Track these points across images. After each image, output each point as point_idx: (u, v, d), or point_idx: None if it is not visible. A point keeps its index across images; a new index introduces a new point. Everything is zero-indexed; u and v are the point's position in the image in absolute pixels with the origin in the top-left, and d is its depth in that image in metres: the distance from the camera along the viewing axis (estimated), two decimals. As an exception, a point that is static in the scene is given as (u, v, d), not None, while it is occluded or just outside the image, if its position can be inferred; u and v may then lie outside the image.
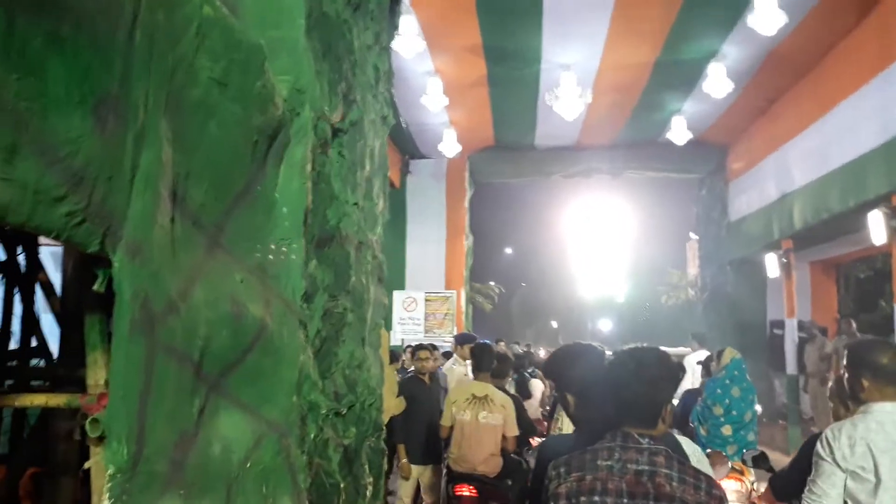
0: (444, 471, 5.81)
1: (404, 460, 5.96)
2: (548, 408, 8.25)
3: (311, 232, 3.42)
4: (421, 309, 13.99)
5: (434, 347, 7.01)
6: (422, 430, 6.01)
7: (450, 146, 12.31)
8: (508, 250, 39.84)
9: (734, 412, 5.81)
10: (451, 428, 5.52)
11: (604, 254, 23.44)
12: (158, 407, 2.15)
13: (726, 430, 5.79)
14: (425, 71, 10.06)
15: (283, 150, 3.09)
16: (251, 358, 2.72)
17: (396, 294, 13.96)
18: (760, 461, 3.99)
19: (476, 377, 5.63)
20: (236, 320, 2.61)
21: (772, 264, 11.75)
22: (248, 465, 2.68)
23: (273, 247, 3.02)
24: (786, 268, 11.27)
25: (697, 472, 1.94)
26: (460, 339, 7.63)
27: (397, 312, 13.94)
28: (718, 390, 5.93)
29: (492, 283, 23.35)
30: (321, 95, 3.43)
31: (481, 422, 5.36)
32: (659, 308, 24.32)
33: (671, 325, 22.41)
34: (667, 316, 23.48)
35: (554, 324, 42.77)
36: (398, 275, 14.19)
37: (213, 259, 2.59)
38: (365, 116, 4.34)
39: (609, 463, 1.93)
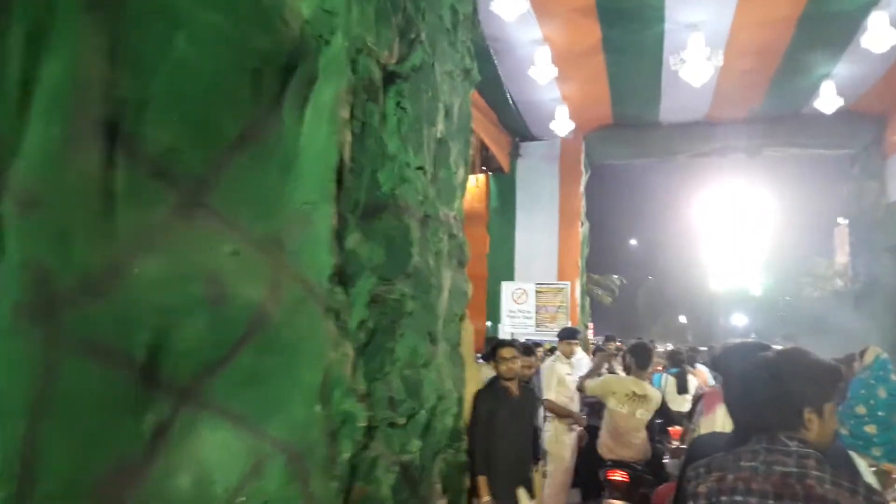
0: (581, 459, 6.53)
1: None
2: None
3: (351, 197, 2.71)
4: (532, 301, 13.13)
5: (528, 348, 6.03)
6: (508, 457, 4.37)
7: (562, 124, 11.32)
8: (633, 241, 37.99)
9: (880, 413, 5.53)
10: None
11: (738, 242, 21.44)
12: (67, 427, 1.50)
13: (870, 429, 5.56)
14: (532, 39, 9.17)
15: (307, 89, 2.39)
16: (245, 356, 2.04)
17: (505, 285, 13.18)
18: None
19: (635, 374, 5.74)
20: (216, 306, 1.93)
21: (945, 251, 9.96)
22: (243, 497, 2.00)
23: (291, 213, 2.33)
24: (964, 255, 9.49)
25: (855, 477, 1.76)
26: (565, 334, 6.70)
27: (506, 305, 13.16)
28: (862, 391, 5.63)
29: (613, 277, 22.03)
30: (363, 23, 2.70)
31: (638, 417, 5.58)
32: (801, 301, 22.09)
33: (816, 319, 20.21)
34: (811, 310, 21.23)
35: (682, 319, 40.45)
36: (507, 265, 13.40)
37: (187, 223, 1.92)
38: (436, 64, 3.59)
39: (753, 464, 1.82)
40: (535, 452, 4.99)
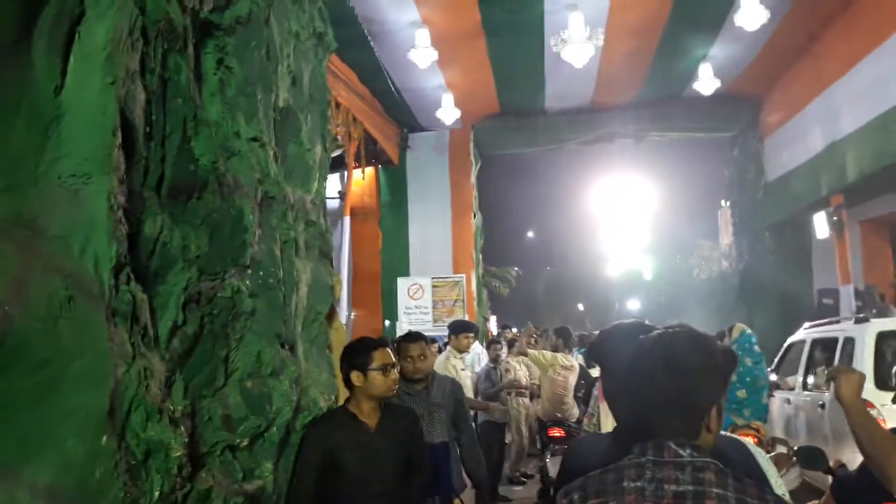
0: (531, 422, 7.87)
1: None
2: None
3: (149, 170, 2.17)
4: (428, 296, 12.76)
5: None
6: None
7: (448, 112, 10.99)
8: (530, 233, 38.46)
9: (748, 378, 6.43)
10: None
11: (629, 228, 21.91)
12: None
13: (741, 394, 6.42)
14: (409, 21, 8.76)
15: (68, 27, 1.83)
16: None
17: (401, 281, 12.74)
18: (815, 460, 3.04)
19: (561, 351, 7.57)
20: None
21: (820, 225, 10.31)
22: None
23: (49, 187, 1.76)
24: (837, 227, 9.85)
25: (762, 491, 1.39)
26: (457, 328, 6.25)
27: (403, 301, 12.72)
28: None
29: (510, 268, 22.01)
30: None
31: (570, 382, 7.18)
32: (690, 283, 22.82)
33: (704, 300, 20.92)
34: (699, 291, 21.97)
35: (580, 306, 41.37)
36: (402, 260, 12.98)
37: None
38: (273, 20, 3.07)
39: (639, 484, 1.42)
40: (439, 489, 3.43)
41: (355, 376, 2.75)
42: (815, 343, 6.62)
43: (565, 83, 11.39)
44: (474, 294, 13.12)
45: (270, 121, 3.03)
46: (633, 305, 33.97)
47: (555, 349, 7.65)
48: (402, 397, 3.56)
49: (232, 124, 2.66)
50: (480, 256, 15.29)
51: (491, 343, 7.64)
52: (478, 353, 7.87)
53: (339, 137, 9.95)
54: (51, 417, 1.67)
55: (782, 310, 12.08)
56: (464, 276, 12.85)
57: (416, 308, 12.73)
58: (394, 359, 2.94)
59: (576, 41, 8.38)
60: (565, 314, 39.91)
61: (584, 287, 39.21)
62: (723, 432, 1.64)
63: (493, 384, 7.18)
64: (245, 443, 2.58)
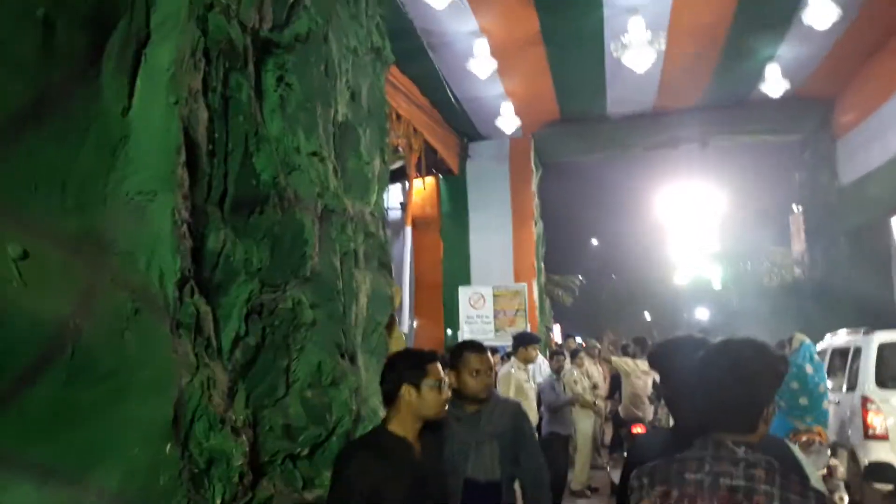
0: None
1: None
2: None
3: (213, 186, 2.24)
4: (489, 305, 12.72)
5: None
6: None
7: (508, 121, 10.96)
8: (594, 241, 37.94)
9: (809, 386, 6.57)
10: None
11: (697, 235, 21.33)
12: None
13: (803, 401, 6.56)
14: (468, 31, 8.78)
15: (135, 50, 1.91)
16: (43, 388, 1.55)
17: (462, 290, 12.75)
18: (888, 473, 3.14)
19: (639, 357, 8.06)
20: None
21: (901, 229, 9.82)
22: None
23: (117, 204, 1.84)
24: (919, 232, 9.35)
25: (805, 486, 1.60)
26: (523, 340, 6.22)
27: (464, 310, 12.72)
28: (793, 368, 6.56)
29: (573, 276, 21.74)
30: (215, -25, 2.24)
31: (648, 385, 7.76)
32: (761, 291, 22.05)
33: (776, 308, 20.19)
34: (771, 299, 21.22)
35: (647, 315, 40.51)
36: (463, 269, 12.98)
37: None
38: (332, 36, 3.13)
39: (698, 476, 1.65)
40: None
41: (407, 391, 2.27)
42: (835, 351, 7.49)
43: (627, 88, 11.22)
44: (536, 303, 13.01)
45: (329, 135, 3.09)
46: (702, 314, 33.04)
47: (633, 356, 8.50)
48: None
49: (292, 140, 2.72)
50: (542, 265, 15.17)
51: (554, 354, 7.55)
52: (539, 364, 7.80)
53: (400, 148, 10.06)
54: (117, 426, 1.74)
55: (860, 319, 11.53)
56: (525, 284, 12.77)
57: (477, 317, 12.71)
58: (489, 361, 2.83)
59: (636, 45, 8.25)
60: (631, 323, 39.16)
61: (650, 296, 38.33)
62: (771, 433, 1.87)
63: (557, 395, 7.10)
64: (305, 452, 2.63)
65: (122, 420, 1.74)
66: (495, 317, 12.76)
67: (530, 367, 6.80)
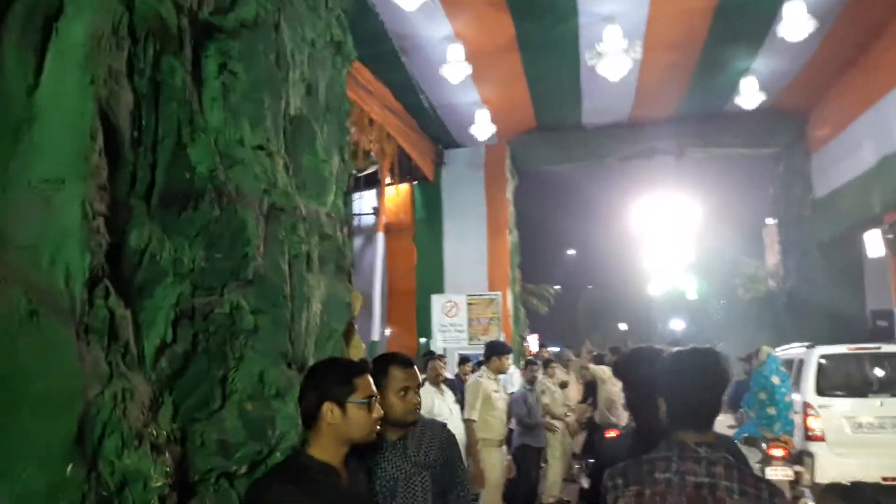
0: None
1: None
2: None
3: (137, 177, 2.04)
4: (463, 314, 12.52)
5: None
6: None
7: (483, 128, 10.83)
8: (571, 251, 38.00)
9: (776, 396, 7.11)
10: None
11: (672, 246, 21.38)
12: None
13: (771, 410, 7.10)
14: (443, 36, 8.64)
15: (43, 24, 1.72)
16: None
17: (435, 298, 12.54)
18: None
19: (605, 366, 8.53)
20: None
21: (873, 243, 9.83)
22: None
23: (18, 194, 1.64)
24: (892, 245, 9.35)
25: (758, 479, 1.85)
26: (496, 349, 6.00)
27: (437, 318, 12.50)
28: (761, 380, 7.29)
29: (548, 286, 21.65)
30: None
31: (621, 392, 6.60)
32: (736, 302, 22.16)
33: (749, 321, 20.27)
34: (744, 311, 21.30)
35: (622, 326, 40.61)
36: (437, 277, 12.80)
37: None
38: (285, 25, 2.95)
39: (667, 476, 1.86)
40: None
41: (329, 410, 1.89)
42: (784, 362, 7.86)
43: (603, 98, 11.16)
44: (510, 312, 12.87)
45: (280, 129, 2.90)
46: (677, 325, 33.19)
47: (609, 364, 8.73)
48: None
49: (235, 131, 2.53)
50: (518, 274, 15.05)
51: (528, 363, 7.34)
52: (510, 374, 7.62)
53: (372, 154, 9.87)
54: (7, 445, 1.53)
55: (833, 331, 11.53)
56: (500, 293, 12.60)
57: (450, 326, 12.51)
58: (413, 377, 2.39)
59: (612, 54, 8.16)
60: (607, 333, 39.25)
61: (625, 306, 38.46)
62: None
63: (530, 409, 6.90)
64: (243, 470, 2.42)
65: (13, 438, 1.53)
66: (469, 325, 12.57)
67: (501, 377, 6.64)
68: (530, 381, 7.05)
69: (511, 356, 5.83)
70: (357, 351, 3.93)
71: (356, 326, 3.90)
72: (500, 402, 5.77)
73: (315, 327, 3.19)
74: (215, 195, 2.36)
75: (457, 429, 5.71)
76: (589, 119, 12.34)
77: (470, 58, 8.78)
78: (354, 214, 13.13)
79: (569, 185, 19.51)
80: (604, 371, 8.45)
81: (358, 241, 13.08)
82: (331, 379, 1.93)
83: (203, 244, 2.30)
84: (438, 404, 6.01)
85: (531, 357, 10.39)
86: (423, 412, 5.66)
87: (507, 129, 12.32)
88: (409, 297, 12.88)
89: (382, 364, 2.34)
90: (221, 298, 2.37)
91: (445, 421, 5.45)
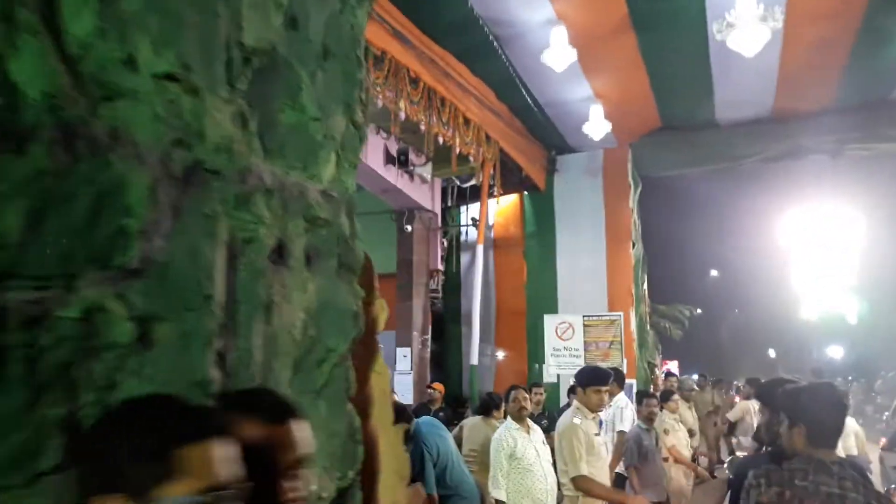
0: None
1: None
2: None
3: None
4: (579, 336, 11.31)
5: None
6: None
7: (597, 126, 9.66)
8: (711, 270, 35.30)
9: None
10: None
11: (829, 263, 18.84)
12: None
13: None
14: (544, 19, 7.64)
15: None
16: None
17: (548, 319, 11.42)
18: None
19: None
20: None
21: None
22: None
23: None
24: None
25: (880, 495, 2.28)
26: (587, 378, 4.70)
27: (550, 341, 11.37)
28: None
29: (681, 307, 19.76)
30: None
31: None
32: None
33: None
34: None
35: (772, 352, 37.19)
36: (549, 296, 11.67)
37: None
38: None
39: (804, 483, 2.25)
40: None
41: None
42: None
43: (739, 87, 9.71)
44: (634, 335, 11.48)
45: (224, 62, 2.05)
46: (835, 352, 29.73)
47: (747, 397, 8.99)
48: None
49: (119, 48, 1.70)
50: (643, 292, 13.62)
51: (643, 397, 5.97)
52: (620, 408, 6.36)
53: (471, 158, 9.00)
54: None
55: None
56: (621, 314, 11.28)
57: (565, 350, 11.32)
58: None
59: (745, 23, 6.81)
60: (755, 361, 36.07)
61: (775, 331, 35.15)
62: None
63: (647, 453, 5.62)
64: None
65: None
66: (586, 349, 11.33)
67: (604, 413, 5.46)
68: (647, 419, 5.76)
69: (606, 388, 4.59)
70: (382, 378, 3.00)
71: (381, 346, 2.97)
72: (604, 448, 4.56)
73: (293, 346, 2.29)
74: (60, 136, 1.52)
75: (548, 474, 4.61)
76: (723, 114, 10.84)
77: (575, 42, 7.72)
78: (461, 226, 12.28)
79: (703, 193, 17.65)
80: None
81: (466, 257, 12.21)
82: (127, 443, 1.01)
83: (26, 208, 1.46)
84: (523, 445, 4.95)
85: (669, 386, 8.93)
86: (502, 455, 4.48)
87: (628, 130, 11.09)
88: (519, 317, 11.82)
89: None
90: (68, 296, 1.52)
91: (532, 464, 4.34)
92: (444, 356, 12.18)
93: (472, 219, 11.96)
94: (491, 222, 12.42)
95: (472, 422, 5.96)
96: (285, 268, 2.28)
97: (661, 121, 11.10)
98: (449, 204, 12.18)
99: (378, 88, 6.59)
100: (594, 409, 4.46)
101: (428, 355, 10.92)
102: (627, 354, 11.17)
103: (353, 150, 2.78)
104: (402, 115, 7.26)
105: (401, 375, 10.41)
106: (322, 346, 2.47)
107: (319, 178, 2.52)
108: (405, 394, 9.79)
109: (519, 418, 5.14)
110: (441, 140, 8.08)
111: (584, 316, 11.35)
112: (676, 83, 9.67)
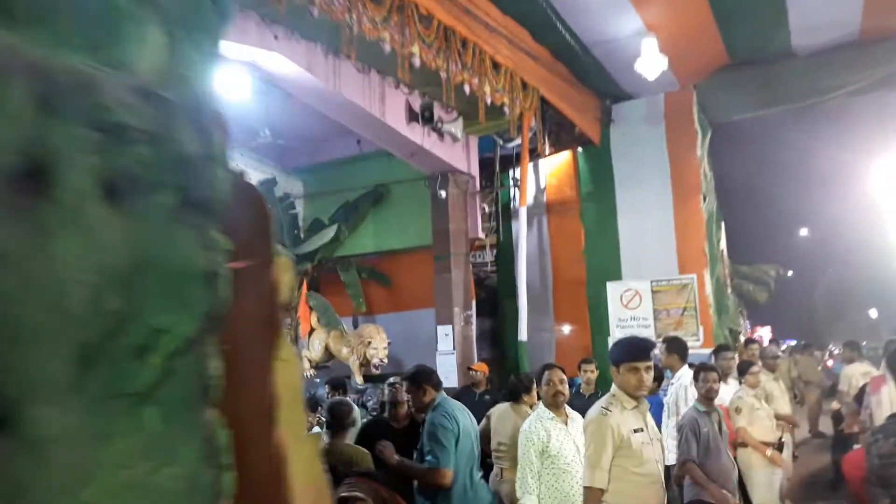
0: None
1: None
2: None
3: None
4: (648, 304, 10.20)
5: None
6: None
7: (652, 62, 8.43)
8: (800, 226, 32.82)
9: None
10: None
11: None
12: None
13: None
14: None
15: None
16: None
17: (611, 286, 10.35)
18: None
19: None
20: None
21: None
22: None
23: None
24: None
25: None
26: (620, 353, 3.57)
27: (615, 311, 10.31)
28: None
29: (766, 267, 18.07)
30: None
31: None
32: None
33: None
34: None
35: (873, 313, 34.43)
36: (611, 261, 10.53)
37: None
38: None
39: None
40: None
41: None
42: None
43: (817, 7, 8.32)
44: (710, 300, 10.22)
45: None
46: (949, 310, 27.04)
47: (849, 361, 8.71)
48: None
49: None
50: (722, 251, 12.28)
51: (700, 370, 4.82)
52: (684, 386, 5.18)
53: (505, 110, 7.97)
54: None
55: None
56: (694, 276, 10.08)
57: (632, 320, 10.22)
58: None
59: None
60: (853, 323, 33.52)
61: (876, 290, 32.46)
62: None
63: (708, 442, 4.46)
64: None
65: None
66: (656, 318, 10.21)
67: (666, 394, 4.42)
68: (706, 399, 4.61)
69: (647, 363, 3.53)
70: (289, 370, 2.10)
71: (287, 321, 2.07)
72: (648, 447, 3.50)
73: (69, 324, 1.40)
74: None
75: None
76: (801, 41, 9.39)
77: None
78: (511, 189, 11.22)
79: (783, 138, 15.88)
80: None
81: (518, 226, 11.21)
82: None
83: None
84: (558, 439, 3.98)
85: (762, 351, 7.67)
86: (532, 451, 3.57)
87: (690, 69, 9.78)
88: (579, 286, 10.73)
89: None
90: None
91: (569, 463, 3.41)
92: (499, 333, 11.25)
93: (514, 179, 10.92)
94: (543, 184, 11.35)
95: (500, 409, 5.03)
96: (45, 201, 1.40)
97: (727, 55, 9.74)
98: (497, 169, 11.18)
99: (377, 27, 5.68)
100: (633, 393, 3.43)
101: (472, 333, 10.00)
102: (703, 321, 9.96)
103: (206, 28, 1.87)
104: (417, 61, 6.32)
105: (443, 356, 9.55)
106: (141, 326, 1.57)
107: (126, 66, 1.63)
108: (449, 376, 8.93)
109: (554, 405, 4.17)
110: (468, 89, 7.09)
111: (651, 281, 10.20)
112: (743, 7, 8.34)
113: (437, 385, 4.28)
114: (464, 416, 4.20)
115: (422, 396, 4.23)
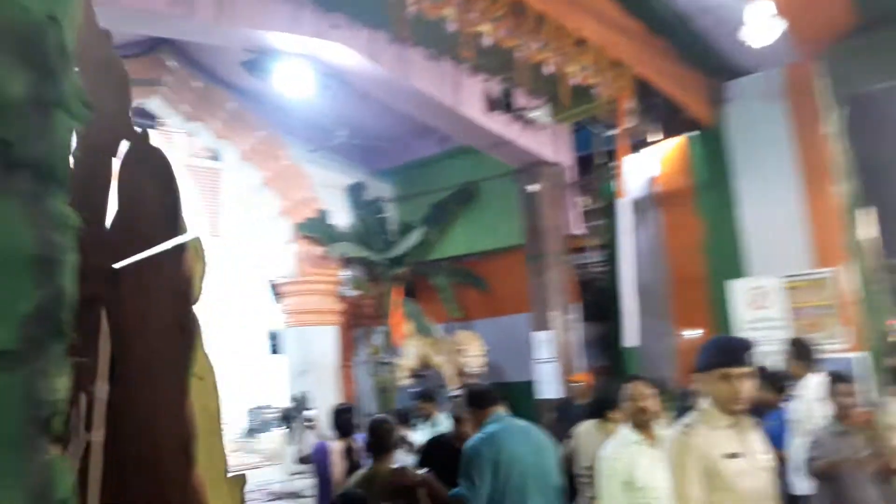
0: None
1: None
2: None
3: None
4: (779, 303, 9.02)
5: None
6: None
7: (761, 27, 7.40)
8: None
9: None
10: None
11: None
12: None
13: None
14: None
15: None
16: None
17: (737, 284, 9.23)
18: None
19: None
20: None
21: None
22: None
23: None
24: None
25: None
26: (710, 357, 2.72)
27: (741, 312, 9.19)
28: None
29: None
30: None
31: None
32: None
33: None
34: None
35: None
36: (733, 256, 9.44)
37: None
38: None
39: None
40: None
41: None
42: None
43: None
44: (857, 295, 8.89)
45: None
46: None
47: None
48: None
49: None
50: (868, 241, 10.73)
51: (835, 380, 3.84)
52: (808, 399, 4.20)
53: (595, 90, 7.23)
54: None
55: None
56: (834, 269, 8.81)
57: (761, 322, 9.08)
58: None
59: None
60: None
61: None
62: None
63: (842, 469, 3.58)
64: None
65: None
66: (791, 318, 9.00)
67: (793, 408, 3.52)
68: (841, 415, 3.67)
69: (744, 369, 2.72)
70: (204, 390, 1.60)
71: (196, 318, 1.58)
72: (748, 478, 2.71)
73: None
74: None
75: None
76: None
77: None
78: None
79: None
80: None
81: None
82: None
83: None
84: (646, 467, 3.27)
85: None
86: (614, 482, 2.97)
87: (814, 37, 8.59)
88: (698, 285, 9.69)
89: None
90: None
91: (660, 498, 2.80)
92: (611, 339, 10.38)
93: (612, 166, 10.03)
94: (652, 174, 10.39)
95: (585, 427, 4.33)
96: None
97: (857, 16, 8.47)
98: (601, 161, 10.37)
99: (438, 4, 5.18)
100: (727, 407, 2.67)
101: (574, 339, 9.22)
102: (847, 321, 8.66)
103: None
104: (487, 41, 5.77)
105: (542, 365, 8.83)
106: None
107: None
108: (549, 387, 8.22)
109: (640, 424, 3.45)
110: (549, 70, 6.45)
111: (783, 277, 9.03)
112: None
113: (487, 404, 3.69)
114: (517, 441, 3.53)
115: (474, 418, 3.69)
